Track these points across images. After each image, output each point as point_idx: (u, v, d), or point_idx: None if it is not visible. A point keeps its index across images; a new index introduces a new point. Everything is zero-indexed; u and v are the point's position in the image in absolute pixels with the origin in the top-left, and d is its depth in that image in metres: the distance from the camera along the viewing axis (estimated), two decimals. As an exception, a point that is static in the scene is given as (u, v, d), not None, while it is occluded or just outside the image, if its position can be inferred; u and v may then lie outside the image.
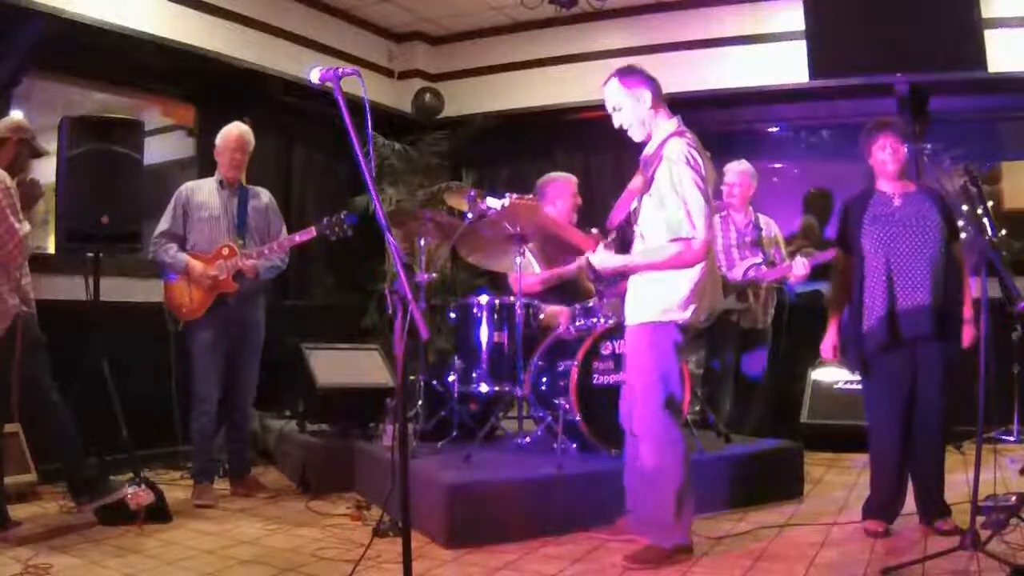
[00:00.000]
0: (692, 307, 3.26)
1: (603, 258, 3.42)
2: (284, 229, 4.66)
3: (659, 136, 3.35)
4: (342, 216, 4.38)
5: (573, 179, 4.98)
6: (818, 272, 5.19)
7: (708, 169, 3.30)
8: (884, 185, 3.73)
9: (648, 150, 3.40)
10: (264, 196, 4.67)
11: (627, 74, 3.37)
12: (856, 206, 3.76)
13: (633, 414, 3.37)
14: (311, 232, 4.40)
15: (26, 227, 3.66)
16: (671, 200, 3.20)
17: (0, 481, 3.79)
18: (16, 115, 4.47)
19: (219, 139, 4.58)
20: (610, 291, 3.96)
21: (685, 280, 3.25)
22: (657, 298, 3.28)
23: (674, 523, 3.27)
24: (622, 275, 3.48)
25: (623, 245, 3.50)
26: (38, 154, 3.97)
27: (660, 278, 3.28)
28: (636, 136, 3.41)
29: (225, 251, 4.40)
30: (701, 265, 3.25)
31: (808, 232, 6.80)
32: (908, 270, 3.56)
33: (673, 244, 3.21)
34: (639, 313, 3.35)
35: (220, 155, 4.55)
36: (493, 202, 3.90)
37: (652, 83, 3.36)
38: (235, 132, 4.56)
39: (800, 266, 4.84)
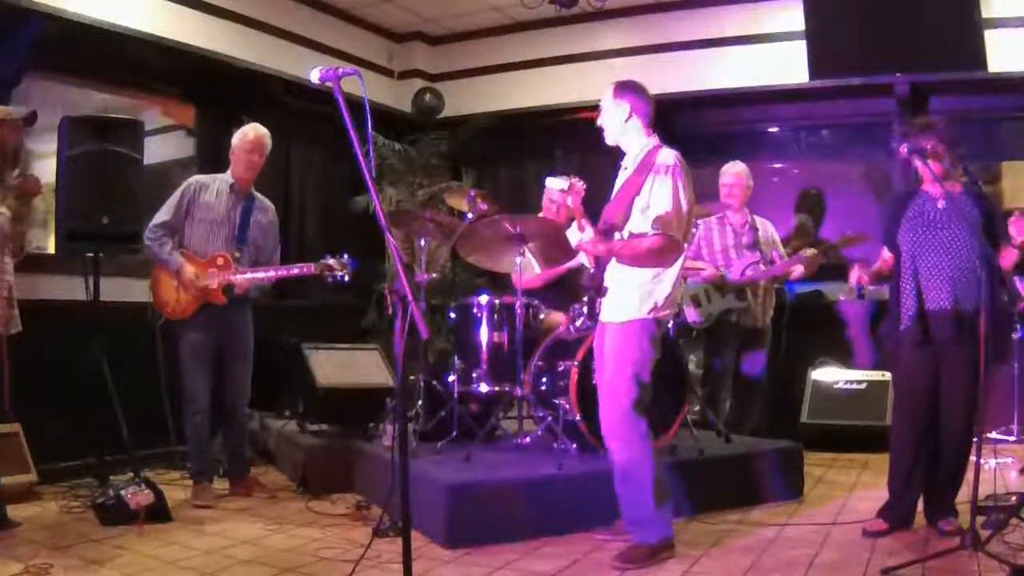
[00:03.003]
0: (672, 304, 3.43)
1: (589, 240, 3.44)
2: (278, 254, 4.62)
3: (635, 148, 3.48)
4: (344, 260, 4.25)
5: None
6: (818, 273, 5.20)
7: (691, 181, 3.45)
8: (930, 186, 3.64)
9: (627, 159, 3.52)
10: (270, 212, 4.61)
11: (621, 85, 3.52)
12: (898, 204, 3.72)
13: (601, 410, 3.40)
14: (310, 268, 4.29)
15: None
16: (661, 201, 3.31)
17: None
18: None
19: (236, 139, 4.47)
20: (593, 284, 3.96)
21: (668, 279, 3.37)
22: (644, 295, 3.35)
23: (655, 516, 3.30)
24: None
25: None
26: (30, 122, 3.88)
27: (645, 277, 3.35)
28: (607, 139, 3.57)
29: (220, 261, 4.33)
30: (679, 265, 3.40)
31: (802, 231, 6.82)
32: (933, 273, 3.53)
33: (657, 236, 3.29)
34: (626, 311, 3.38)
35: (236, 155, 4.44)
36: (556, 183, 3.95)
37: (639, 101, 3.47)
38: (253, 134, 4.44)
39: (812, 258, 4.89)
